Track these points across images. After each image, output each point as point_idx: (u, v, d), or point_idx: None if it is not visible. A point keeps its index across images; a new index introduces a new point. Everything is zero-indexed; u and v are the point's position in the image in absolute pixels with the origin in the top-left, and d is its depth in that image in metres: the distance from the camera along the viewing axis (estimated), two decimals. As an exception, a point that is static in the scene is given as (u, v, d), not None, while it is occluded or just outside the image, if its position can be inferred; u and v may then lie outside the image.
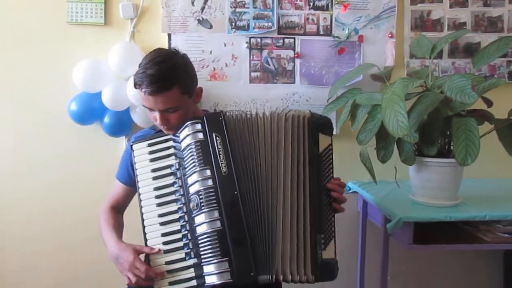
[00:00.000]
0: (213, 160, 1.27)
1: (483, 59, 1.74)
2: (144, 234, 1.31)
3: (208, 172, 1.26)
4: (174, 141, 1.34)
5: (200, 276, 1.24)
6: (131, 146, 1.38)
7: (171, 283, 1.26)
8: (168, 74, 1.26)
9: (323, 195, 1.31)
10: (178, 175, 1.31)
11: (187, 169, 1.29)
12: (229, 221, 1.23)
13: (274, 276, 1.24)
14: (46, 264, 2.11)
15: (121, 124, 1.97)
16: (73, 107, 1.95)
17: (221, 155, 1.27)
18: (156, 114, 1.31)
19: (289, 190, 1.28)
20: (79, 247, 2.10)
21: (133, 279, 1.26)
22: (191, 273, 1.25)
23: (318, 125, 1.34)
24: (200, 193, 1.25)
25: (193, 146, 1.28)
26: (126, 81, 1.90)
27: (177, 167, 1.32)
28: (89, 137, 2.05)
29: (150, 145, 1.36)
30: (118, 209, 1.52)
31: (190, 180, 1.28)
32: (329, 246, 1.30)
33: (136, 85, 1.30)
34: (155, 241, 1.29)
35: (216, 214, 1.23)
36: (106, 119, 1.96)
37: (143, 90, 1.27)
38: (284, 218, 1.27)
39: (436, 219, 1.59)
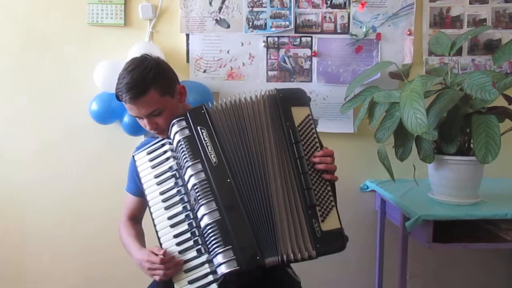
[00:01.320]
0: (202, 152, 1.28)
1: (504, 56, 1.72)
2: (158, 238, 1.33)
3: (200, 165, 1.28)
4: (169, 143, 1.37)
5: (213, 269, 1.26)
6: (133, 157, 1.43)
7: (190, 282, 1.28)
8: (141, 79, 1.29)
9: (310, 167, 1.30)
10: (178, 175, 1.34)
11: (182, 167, 1.31)
12: (226, 209, 1.25)
13: (281, 258, 1.24)
14: (71, 266, 2.16)
15: (140, 123, 2.00)
16: (94, 107, 1.99)
17: (209, 147, 1.29)
18: (145, 121, 1.35)
19: (277, 169, 1.29)
20: (102, 248, 2.13)
21: (158, 273, 1.28)
22: (206, 269, 1.27)
23: (288, 99, 1.35)
24: (196, 187, 1.26)
25: (183, 143, 1.30)
26: (145, 81, 1.93)
27: (176, 167, 1.34)
28: (109, 136, 2.09)
29: (149, 153, 1.40)
30: (135, 220, 1.56)
31: (186, 177, 1.30)
32: (330, 216, 1.29)
33: (117, 97, 1.33)
34: (169, 244, 1.31)
35: (213, 204, 1.25)
36: (126, 119, 1.99)
37: (124, 99, 1.31)
38: (278, 198, 1.28)
39: (456, 217, 1.57)
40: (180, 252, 1.30)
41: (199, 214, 1.26)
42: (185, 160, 1.29)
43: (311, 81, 2.07)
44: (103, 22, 2.04)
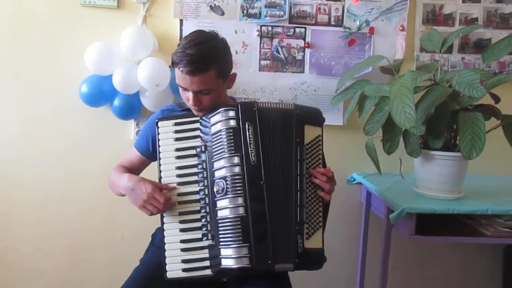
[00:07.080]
0: (243, 148, 1.29)
1: (493, 55, 1.75)
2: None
3: (237, 160, 1.28)
4: (201, 123, 1.36)
5: (214, 257, 1.27)
6: (157, 122, 1.38)
7: (184, 261, 1.28)
8: (207, 56, 1.28)
9: (307, 185, 1.32)
10: (203, 158, 1.33)
11: (214, 154, 1.31)
12: (253, 209, 1.26)
13: (293, 265, 1.27)
14: (55, 247, 2.15)
15: (131, 108, 1.99)
16: (84, 89, 1.97)
17: (251, 145, 1.29)
18: (190, 94, 1.33)
19: (287, 182, 1.31)
20: (87, 230, 2.13)
21: (152, 209, 1.28)
22: (205, 253, 1.29)
23: (303, 117, 1.36)
24: (226, 178, 1.27)
25: (224, 132, 1.30)
26: (137, 64, 1.92)
27: (202, 149, 1.33)
28: (98, 119, 2.07)
29: (176, 124, 1.37)
30: (130, 171, 1.52)
31: (216, 165, 1.30)
32: (315, 236, 1.32)
33: (174, 63, 1.31)
34: (172, 219, 1.32)
35: (240, 200, 1.26)
36: (116, 102, 1.98)
37: (180, 69, 1.29)
38: (289, 208, 1.30)
39: (438, 211, 1.61)
40: (183, 230, 1.30)
41: (221, 204, 1.27)
42: (221, 149, 1.29)
43: (303, 72, 2.08)
44: (95, 3, 2.01)
